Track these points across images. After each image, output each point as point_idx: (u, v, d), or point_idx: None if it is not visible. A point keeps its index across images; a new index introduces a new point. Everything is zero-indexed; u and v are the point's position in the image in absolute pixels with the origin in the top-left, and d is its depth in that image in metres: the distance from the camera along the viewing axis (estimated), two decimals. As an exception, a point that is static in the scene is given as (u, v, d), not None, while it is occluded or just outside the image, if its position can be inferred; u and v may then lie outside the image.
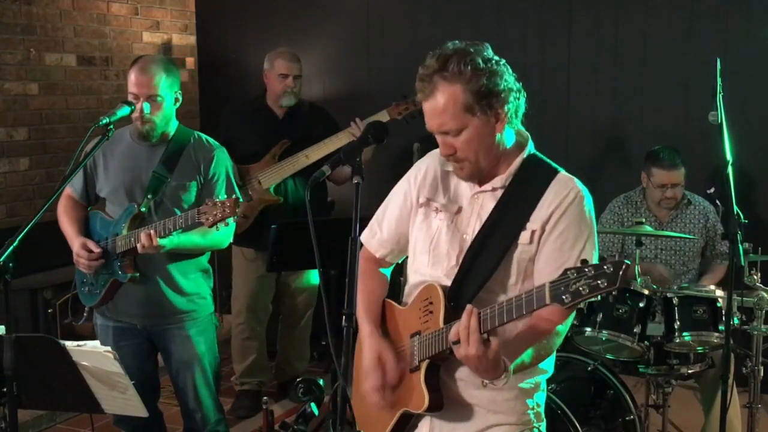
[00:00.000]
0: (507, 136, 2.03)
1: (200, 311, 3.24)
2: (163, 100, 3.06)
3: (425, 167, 2.18)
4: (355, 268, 1.86)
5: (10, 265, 2.36)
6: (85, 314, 3.31)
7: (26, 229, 2.45)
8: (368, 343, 2.16)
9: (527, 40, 4.95)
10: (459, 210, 2.11)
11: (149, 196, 3.08)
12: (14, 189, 4.88)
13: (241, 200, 3.19)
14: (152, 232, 2.91)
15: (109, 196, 3.19)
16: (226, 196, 3.06)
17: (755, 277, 3.36)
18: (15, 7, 4.80)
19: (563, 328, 2.02)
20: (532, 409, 2.12)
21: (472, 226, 2.07)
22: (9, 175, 4.85)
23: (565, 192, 2.01)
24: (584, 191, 2.04)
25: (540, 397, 2.16)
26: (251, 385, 4.59)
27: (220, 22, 5.92)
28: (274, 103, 4.44)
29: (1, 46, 4.74)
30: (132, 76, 3.05)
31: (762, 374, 3.43)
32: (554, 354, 2.11)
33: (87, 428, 4.34)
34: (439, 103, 1.93)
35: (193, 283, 3.22)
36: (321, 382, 3.31)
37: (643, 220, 3.78)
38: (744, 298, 3.26)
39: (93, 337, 2.63)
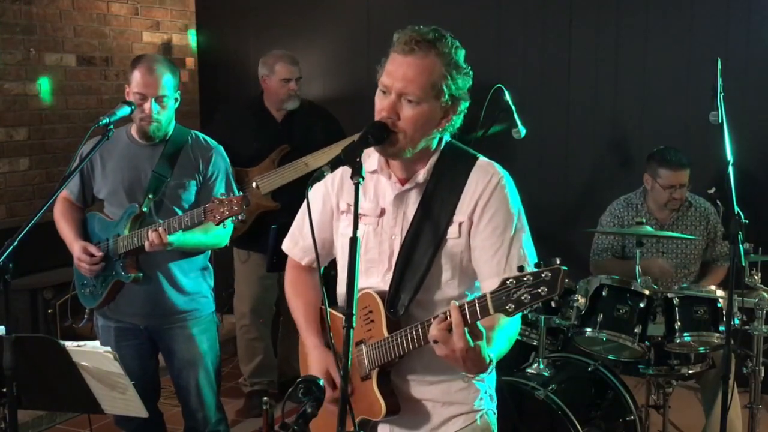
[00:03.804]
0: (439, 137, 2.04)
1: (202, 310, 3.25)
2: (168, 101, 3.07)
3: (340, 172, 2.10)
4: (355, 268, 1.85)
5: (10, 265, 2.36)
6: (85, 316, 3.31)
7: (26, 229, 2.45)
8: (315, 357, 2.16)
9: (527, 40, 4.95)
10: (383, 212, 2.09)
11: (150, 196, 3.07)
12: (14, 189, 4.88)
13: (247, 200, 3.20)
14: (161, 229, 2.91)
15: (108, 197, 3.18)
16: (228, 194, 3.06)
17: (756, 277, 3.37)
18: (15, 7, 4.80)
19: None
20: (485, 392, 2.13)
21: (399, 226, 2.06)
22: (9, 175, 4.84)
23: (486, 179, 2.01)
24: (505, 175, 2.04)
25: (491, 380, 2.16)
26: (261, 385, 4.60)
27: (220, 22, 5.92)
28: (273, 106, 4.43)
29: (1, 46, 4.73)
30: (138, 76, 3.01)
31: (763, 374, 3.44)
32: None
33: (87, 428, 4.33)
34: (418, 65, 1.93)
35: (194, 282, 3.22)
36: (321, 382, 3.30)
37: (644, 220, 3.77)
38: (745, 299, 3.26)
39: (93, 338, 2.63)
